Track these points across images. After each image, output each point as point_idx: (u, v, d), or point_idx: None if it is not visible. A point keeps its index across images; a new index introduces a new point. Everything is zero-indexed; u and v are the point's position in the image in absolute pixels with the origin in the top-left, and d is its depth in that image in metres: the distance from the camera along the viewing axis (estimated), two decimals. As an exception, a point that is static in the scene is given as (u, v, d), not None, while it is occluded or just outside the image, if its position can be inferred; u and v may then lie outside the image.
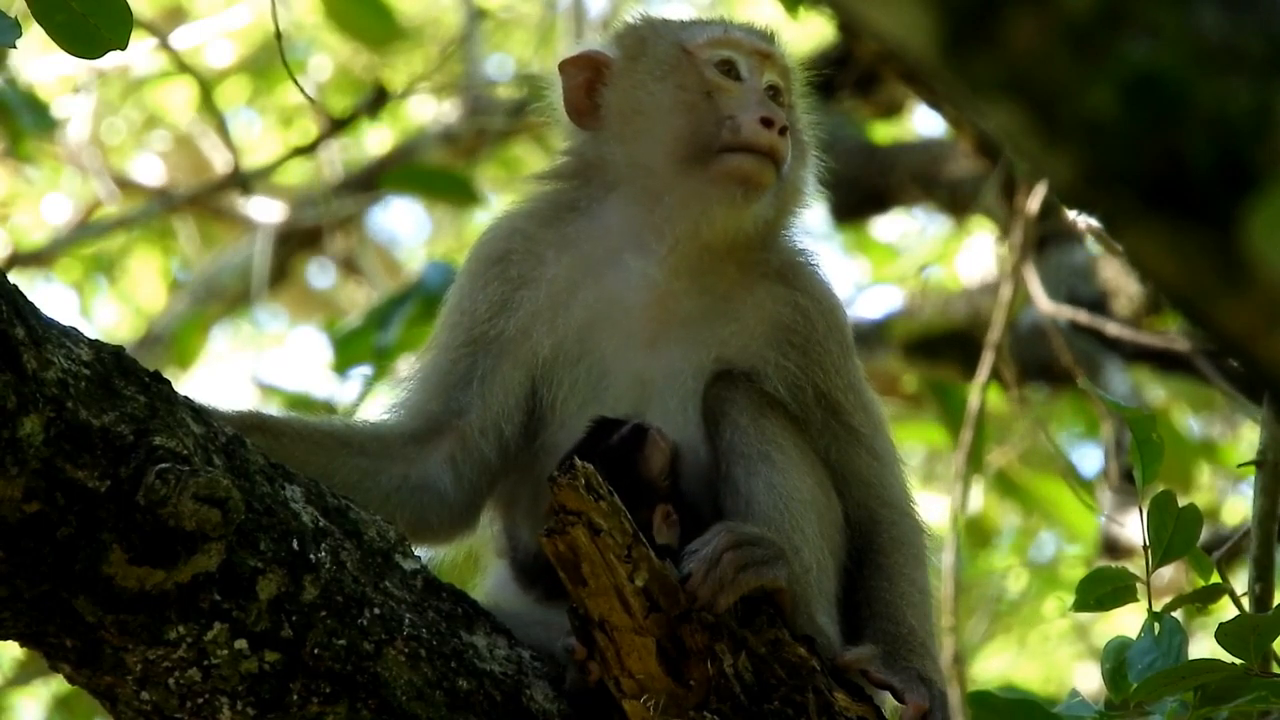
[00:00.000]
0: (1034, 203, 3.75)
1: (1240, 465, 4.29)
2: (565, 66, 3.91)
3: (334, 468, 3.71)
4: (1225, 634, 3.51)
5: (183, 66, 8.82)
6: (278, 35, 5.20)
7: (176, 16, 10.53)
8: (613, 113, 3.86)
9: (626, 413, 3.75)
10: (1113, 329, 6.66)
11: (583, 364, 3.80)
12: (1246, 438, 9.01)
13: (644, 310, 3.81)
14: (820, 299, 3.86)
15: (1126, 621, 4.05)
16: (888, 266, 10.38)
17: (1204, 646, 4.86)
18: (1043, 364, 7.83)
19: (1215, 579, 3.76)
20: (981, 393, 3.08)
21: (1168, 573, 3.84)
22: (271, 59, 9.88)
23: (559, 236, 3.87)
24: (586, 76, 3.89)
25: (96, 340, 3.35)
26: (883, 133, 9.35)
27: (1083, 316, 6.73)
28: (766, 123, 3.76)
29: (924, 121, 9.87)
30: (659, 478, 3.62)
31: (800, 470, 3.73)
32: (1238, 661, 3.49)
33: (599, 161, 3.88)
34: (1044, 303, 6.03)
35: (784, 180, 3.81)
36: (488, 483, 3.83)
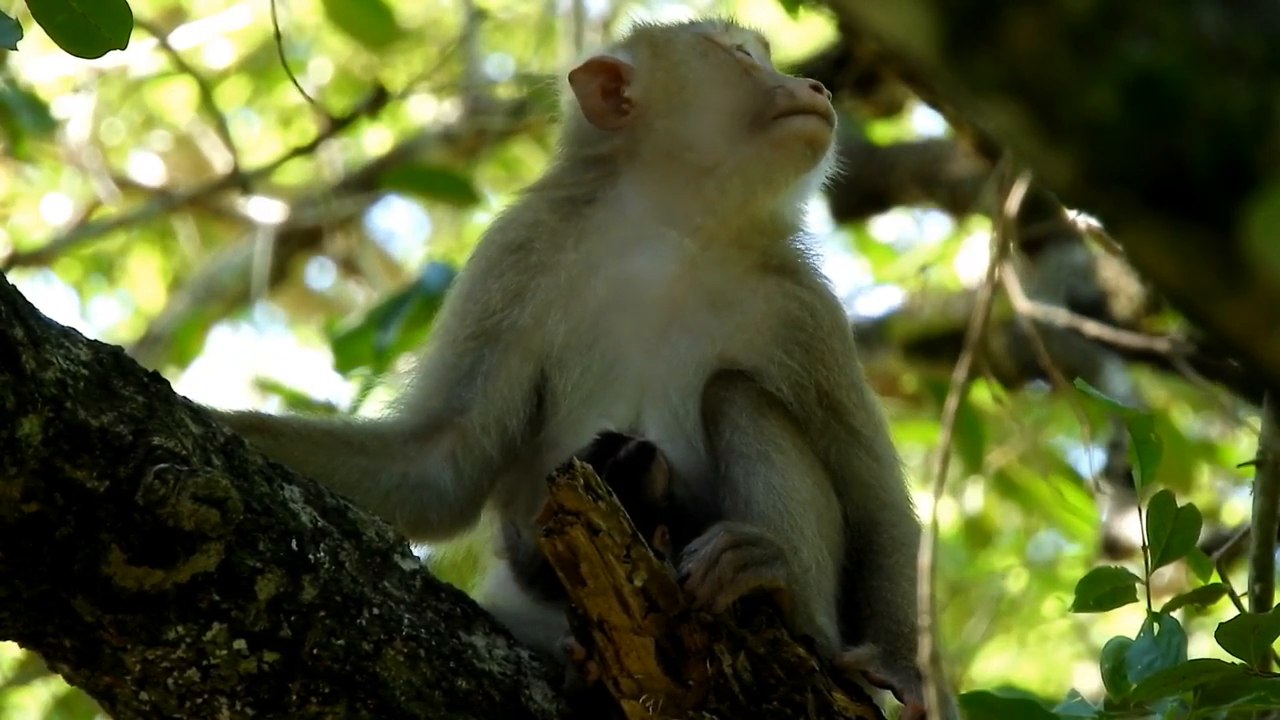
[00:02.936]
0: (1014, 202, 3.78)
1: (1240, 465, 4.28)
2: (577, 75, 3.96)
3: (333, 467, 3.72)
4: (1225, 634, 3.50)
5: (183, 66, 8.82)
6: (278, 35, 5.20)
7: (176, 16, 10.53)
8: (651, 100, 3.93)
9: (629, 407, 3.76)
10: (1093, 329, 6.65)
11: (595, 350, 3.82)
12: (1246, 438, 9.01)
13: (661, 290, 3.84)
14: (824, 296, 3.91)
15: (1126, 621, 4.05)
16: (888, 266, 10.37)
17: (1204, 646, 4.85)
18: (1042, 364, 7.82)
19: (1215, 579, 3.76)
20: (962, 393, 3.08)
21: (1168, 573, 3.84)
22: (271, 59, 9.87)
23: (578, 229, 3.90)
24: (600, 81, 3.95)
25: (95, 340, 3.35)
26: (883, 133, 9.34)
27: (1062, 316, 6.73)
28: (816, 89, 3.91)
29: (924, 121, 9.88)
30: (660, 498, 3.62)
31: (799, 470, 3.73)
32: (1238, 661, 3.49)
33: (628, 151, 3.93)
34: (1022, 304, 6.03)
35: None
36: (489, 480, 3.84)
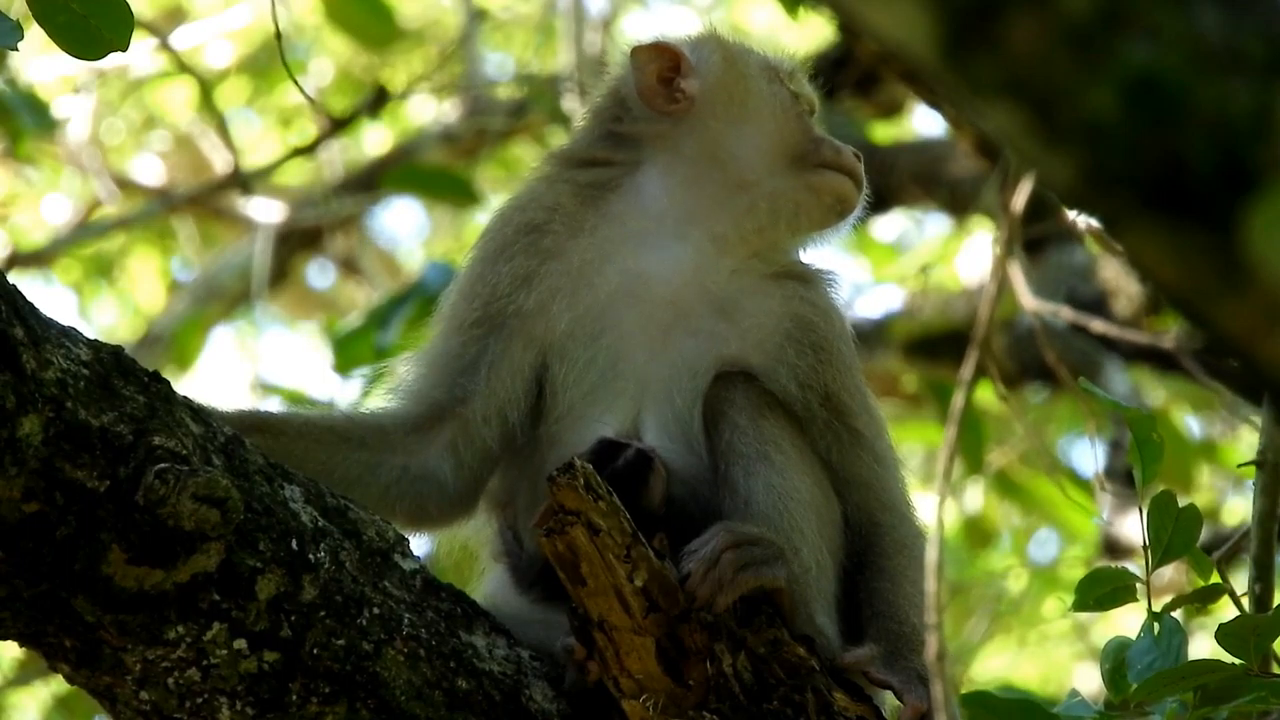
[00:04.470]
0: (1020, 200, 3.80)
1: (1240, 465, 4.28)
2: (640, 51, 3.99)
3: (334, 463, 3.73)
4: (1225, 634, 3.50)
5: (183, 66, 8.82)
6: (278, 35, 5.20)
7: (176, 16, 10.52)
8: (712, 101, 3.97)
9: (630, 405, 3.76)
10: (1099, 326, 6.65)
11: (599, 343, 3.82)
12: (1246, 438, 9.01)
13: (671, 289, 3.85)
14: (833, 307, 3.94)
15: (1126, 621, 4.05)
16: (888, 266, 10.37)
17: (1204, 646, 4.85)
18: (1042, 364, 7.82)
19: (1215, 579, 3.76)
20: (966, 391, 3.09)
21: (1168, 573, 3.84)
22: (271, 59, 9.87)
23: (596, 214, 3.91)
24: (660, 64, 3.98)
25: (95, 340, 3.35)
26: (883, 133, 9.34)
27: (1067, 314, 6.73)
28: (857, 157, 4.03)
29: (924, 121, 9.87)
30: (658, 507, 3.63)
31: (799, 470, 3.73)
32: (1238, 661, 3.49)
33: (666, 141, 3.96)
34: (1029, 301, 6.02)
35: None
36: (488, 470, 3.85)
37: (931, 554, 3.09)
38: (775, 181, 3.93)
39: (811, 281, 3.95)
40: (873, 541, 3.80)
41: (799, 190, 3.94)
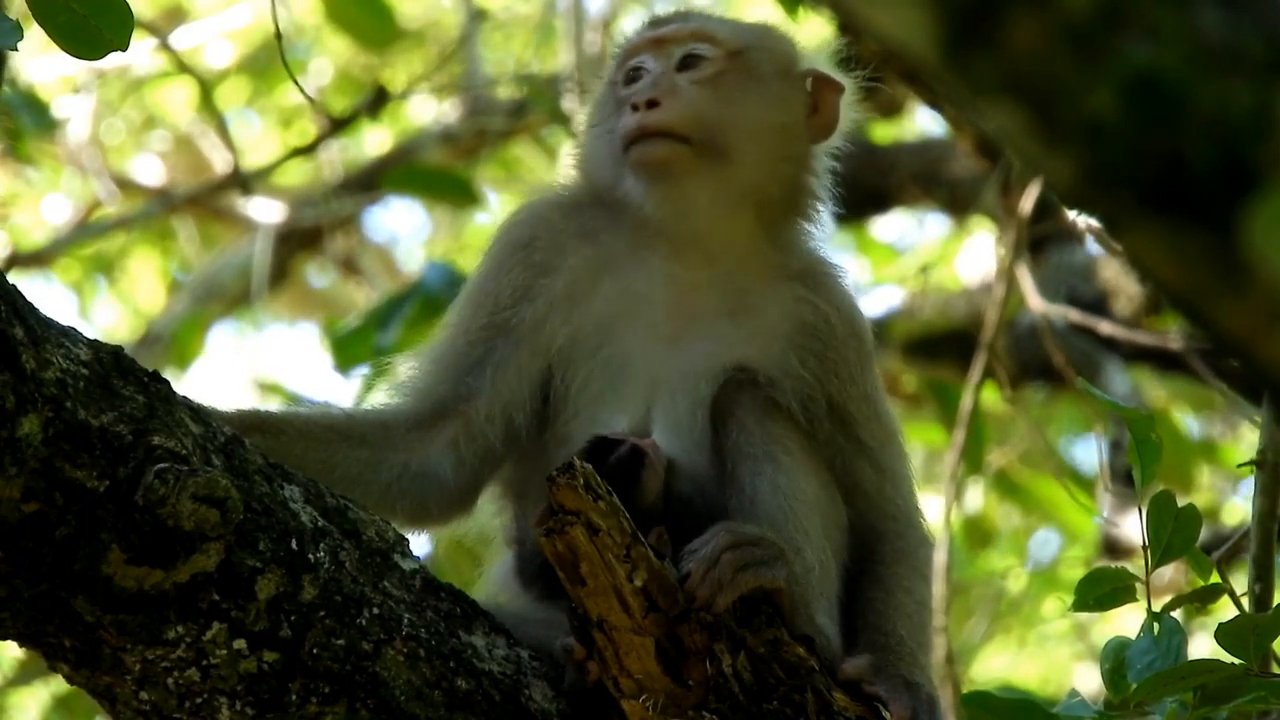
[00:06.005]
0: (1027, 203, 3.80)
1: (1240, 465, 4.28)
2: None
3: (335, 462, 3.72)
4: (1225, 634, 3.50)
5: (183, 66, 8.83)
6: (278, 35, 5.20)
7: (176, 16, 10.53)
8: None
9: (639, 407, 3.76)
10: (1106, 328, 6.65)
11: (601, 354, 3.81)
12: (1246, 438, 9.01)
13: (666, 306, 3.83)
14: (841, 305, 3.88)
15: (1126, 621, 4.05)
16: (888, 266, 10.37)
17: (1204, 646, 4.85)
18: (1042, 364, 7.82)
19: (1215, 579, 3.76)
20: (975, 393, 3.09)
21: (1168, 573, 3.84)
22: (271, 59, 9.87)
23: (580, 228, 3.90)
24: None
25: (95, 340, 3.35)
26: (883, 133, 9.34)
27: (1075, 315, 6.72)
28: (634, 107, 3.82)
29: (924, 121, 9.87)
30: (655, 502, 3.62)
31: (805, 471, 3.73)
32: (1237, 661, 3.49)
33: None
34: (1036, 303, 6.03)
35: (716, 143, 3.83)
36: (490, 469, 3.84)
37: (939, 557, 3.10)
38: (623, 182, 3.84)
39: (819, 282, 3.88)
40: (874, 549, 3.80)
41: (634, 188, 3.83)
